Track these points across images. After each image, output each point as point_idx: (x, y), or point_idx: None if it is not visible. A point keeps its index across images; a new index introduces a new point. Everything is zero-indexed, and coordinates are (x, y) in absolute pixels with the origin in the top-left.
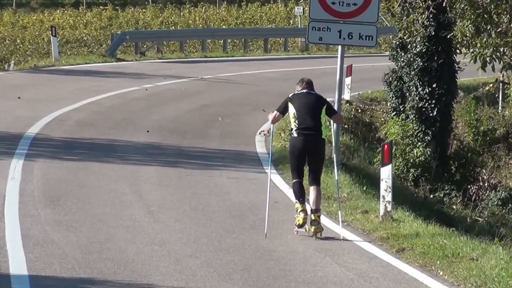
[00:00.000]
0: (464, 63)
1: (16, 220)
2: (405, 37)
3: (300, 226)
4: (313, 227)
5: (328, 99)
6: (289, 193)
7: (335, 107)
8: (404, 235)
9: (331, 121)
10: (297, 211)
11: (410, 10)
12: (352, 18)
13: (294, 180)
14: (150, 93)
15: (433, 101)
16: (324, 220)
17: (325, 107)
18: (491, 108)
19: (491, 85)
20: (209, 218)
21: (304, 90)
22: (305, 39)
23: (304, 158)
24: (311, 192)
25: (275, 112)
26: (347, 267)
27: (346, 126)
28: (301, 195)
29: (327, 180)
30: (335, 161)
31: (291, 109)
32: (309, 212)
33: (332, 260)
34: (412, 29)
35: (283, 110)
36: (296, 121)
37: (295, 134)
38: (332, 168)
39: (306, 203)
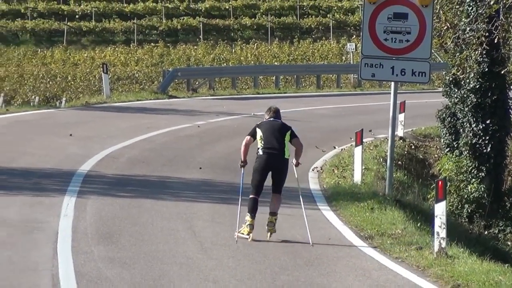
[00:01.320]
0: None
1: (69, 258)
2: (458, 73)
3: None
4: (268, 228)
5: (381, 136)
6: (343, 229)
7: (388, 143)
8: (459, 272)
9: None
10: (245, 223)
11: (463, 46)
12: (405, 54)
13: (251, 196)
14: (202, 130)
15: (487, 137)
16: (378, 256)
17: (289, 132)
18: None
19: None
20: (262, 255)
21: (271, 118)
22: (357, 76)
23: (266, 174)
24: (272, 198)
25: (248, 136)
26: None
27: (400, 162)
28: (253, 210)
29: (380, 217)
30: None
31: (259, 133)
32: (266, 220)
33: None
34: (466, 65)
35: (253, 135)
36: (262, 142)
37: (260, 153)
38: (386, 205)
39: (255, 219)
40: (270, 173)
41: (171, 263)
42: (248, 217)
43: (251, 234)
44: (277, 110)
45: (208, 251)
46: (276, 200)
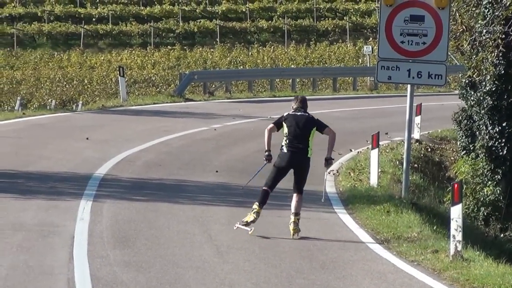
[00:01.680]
0: None
1: (85, 261)
2: (474, 76)
3: (247, 224)
4: (292, 228)
5: (397, 138)
6: (359, 232)
7: (405, 146)
8: (474, 275)
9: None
10: (252, 210)
11: (480, 48)
12: (421, 57)
13: (264, 187)
14: (219, 133)
15: (503, 140)
16: (393, 259)
17: (315, 128)
18: None
19: None
20: (278, 258)
21: (298, 112)
22: (374, 78)
23: (286, 172)
24: (294, 198)
25: (272, 124)
26: None
27: (416, 165)
28: (263, 201)
29: (396, 220)
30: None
31: (284, 129)
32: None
33: None
34: (482, 67)
35: (278, 125)
36: (287, 140)
37: (285, 150)
38: (402, 208)
39: (262, 209)
40: (291, 171)
41: (187, 267)
42: (255, 205)
43: (252, 228)
44: (304, 100)
45: (224, 255)
46: (298, 200)
